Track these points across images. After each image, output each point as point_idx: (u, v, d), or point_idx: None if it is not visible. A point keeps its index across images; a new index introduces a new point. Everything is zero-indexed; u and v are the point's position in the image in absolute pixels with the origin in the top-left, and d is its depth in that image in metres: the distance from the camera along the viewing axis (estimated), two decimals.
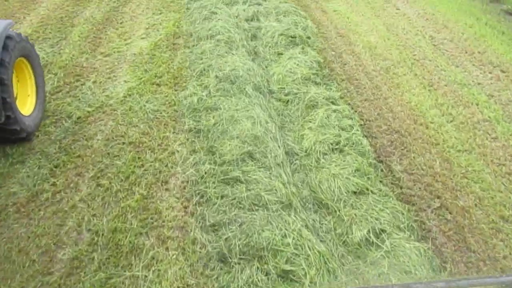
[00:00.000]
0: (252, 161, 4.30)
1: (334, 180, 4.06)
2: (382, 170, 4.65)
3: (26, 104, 4.91)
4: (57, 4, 8.45)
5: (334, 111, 5.07)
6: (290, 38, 6.77)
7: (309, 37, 7.20)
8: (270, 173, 4.21)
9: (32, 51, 5.00)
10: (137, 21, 8.01)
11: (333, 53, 7.19)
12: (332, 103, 5.34)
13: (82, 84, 6.01)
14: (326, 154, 4.49)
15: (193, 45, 6.96)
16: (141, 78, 6.17)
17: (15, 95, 4.58)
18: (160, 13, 8.33)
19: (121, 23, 7.90)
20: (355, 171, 4.18)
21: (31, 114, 4.88)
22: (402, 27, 8.26)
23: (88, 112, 5.43)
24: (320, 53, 7.07)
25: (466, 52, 7.37)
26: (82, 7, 8.38)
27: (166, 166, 4.65)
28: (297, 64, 5.96)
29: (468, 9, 9.22)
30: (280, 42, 6.70)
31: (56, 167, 4.60)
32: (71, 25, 7.65)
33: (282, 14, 7.65)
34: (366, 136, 5.15)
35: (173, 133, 5.15)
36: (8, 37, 4.41)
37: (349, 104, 5.81)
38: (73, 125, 5.22)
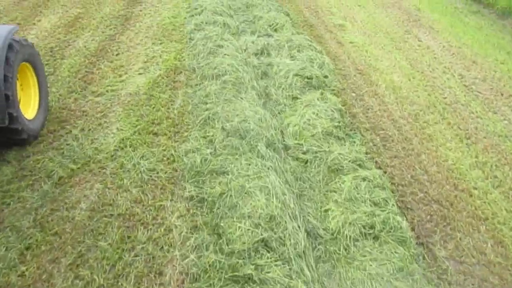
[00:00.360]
0: (268, 251, 3.48)
1: (372, 284, 3.24)
2: (424, 258, 3.83)
3: (29, 108, 4.93)
4: (48, 31, 7.71)
5: (364, 179, 4.26)
6: (306, 79, 5.99)
7: (326, 76, 6.42)
8: (290, 269, 3.39)
9: (36, 56, 5.04)
10: (135, 52, 7.25)
11: (354, 94, 6.40)
12: (360, 166, 4.53)
13: (67, 133, 5.20)
14: (357, 240, 3.67)
15: (196, 84, 6.18)
16: (136, 126, 5.37)
17: (18, 100, 4.60)
18: (161, 43, 7.58)
19: (117, 54, 7.13)
20: (397, 270, 3.36)
21: (34, 118, 4.91)
22: (427, 63, 7.49)
23: (72, 170, 4.62)
24: (339, 94, 6.29)
25: (502, 95, 6.59)
26: (75, 36, 7.63)
27: (161, 249, 3.82)
28: (316, 114, 5.17)
29: (496, 41, 8.47)
30: (295, 84, 5.92)
31: (27, 248, 3.77)
32: (61, 57, 6.88)
33: (296, 49, 6.88)
34: (400, 208, 4.34)
35: (171, 200, 4.32)
36: (12, 42, 4.44)
37: (376, 162, 5.00)
38: (53, 188, 4.41)
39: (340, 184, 4.25)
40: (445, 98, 6.45)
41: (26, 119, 4.70)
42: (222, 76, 5.90)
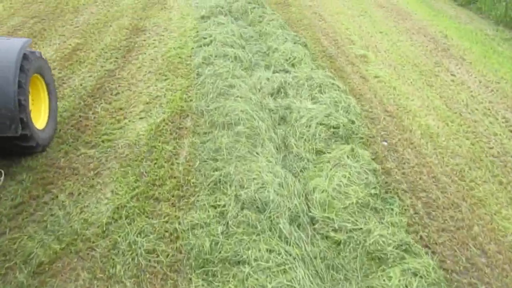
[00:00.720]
0: None
1: None
2: None
3: (40, 118, 5.04)
4: None
5: (414, 273, 3.40)
6: (332, 129, 5.18)
7: (353, 122, 5.60)
8: None
9: (46, 68, 5.19)
10: (136, 91, 6.49)
11: (385, 144, 5.57)
12: (406, 251, 3.67)
13: (53, 199, 4.41)
14: None
15: (205, 133, 5.40)
16: (134, 189, 4.56)
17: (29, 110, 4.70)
18: (165, 79, 6.83)
19: (116, 94, 6.38)
20: None
21: (44, 128, 5.02)
22: (464, 102, 6.65)
23: (55, 252, 3.80)
24: (369, 144, 5.46)
25: None
26: (71, 71, 6.90)
27: None
28: (348, 178, 4.34)
29: None
30: (319, 135, 5.11)
31: None
32: None
33: (317, 88, 6.08)
34: None
35: None
36: (25, 55, 4.58)
37: (421, 238, 4.15)
38: (30, 278, 3.58)
39: (384, 280, 3.39)
40: (491, 148, 5.59)
41: (38, 129, 4.83)
42: (235, 126, 5.10)
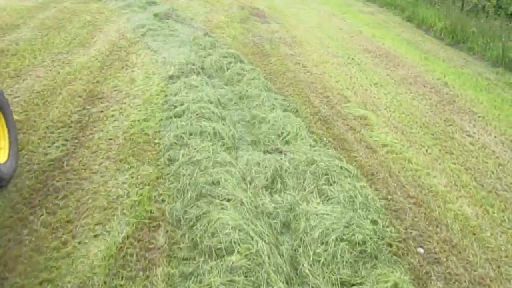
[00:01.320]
0: None
1: None
2: None
3: (0, 153, 5.00)
4: None
5: None
6: (358, 247, 3.87)
7: (375, 222, 4.33)
8: None
9: (5, 103, 5.16)
10: (90, 189, 4.98)
11: (421, 251, 4.30)
12: None
13: None
14: None
15: (185, 259, 3.93)
16: None
17: None
18: (128, 168, 5.36)
19: (63, 197, 4.83)
20: None
21: (5, 162, 4.91)
22: (495, 174, 5.54)
23: None
24: (401, 254, 4.17)
25: None
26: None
27: None
28: None
29: None
30: (341, 256, 3.78)
31: None
32: None
33: (324, 177, 4.79)
34: None
35: None
36: None
37: None
38: None
39: None
40: None
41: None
42: (227, 255, 3.68)
